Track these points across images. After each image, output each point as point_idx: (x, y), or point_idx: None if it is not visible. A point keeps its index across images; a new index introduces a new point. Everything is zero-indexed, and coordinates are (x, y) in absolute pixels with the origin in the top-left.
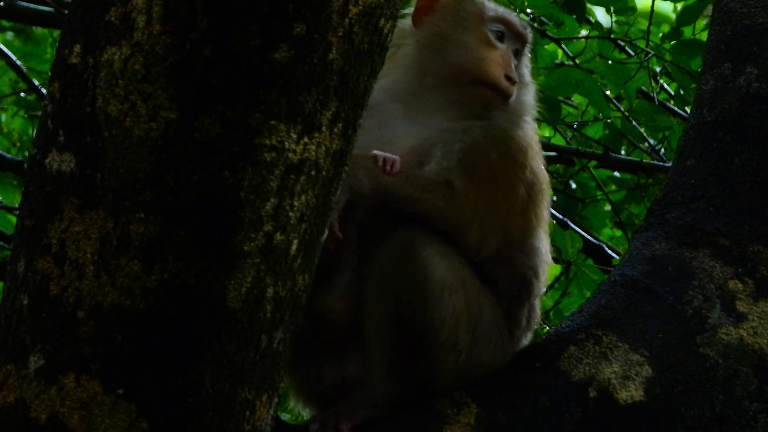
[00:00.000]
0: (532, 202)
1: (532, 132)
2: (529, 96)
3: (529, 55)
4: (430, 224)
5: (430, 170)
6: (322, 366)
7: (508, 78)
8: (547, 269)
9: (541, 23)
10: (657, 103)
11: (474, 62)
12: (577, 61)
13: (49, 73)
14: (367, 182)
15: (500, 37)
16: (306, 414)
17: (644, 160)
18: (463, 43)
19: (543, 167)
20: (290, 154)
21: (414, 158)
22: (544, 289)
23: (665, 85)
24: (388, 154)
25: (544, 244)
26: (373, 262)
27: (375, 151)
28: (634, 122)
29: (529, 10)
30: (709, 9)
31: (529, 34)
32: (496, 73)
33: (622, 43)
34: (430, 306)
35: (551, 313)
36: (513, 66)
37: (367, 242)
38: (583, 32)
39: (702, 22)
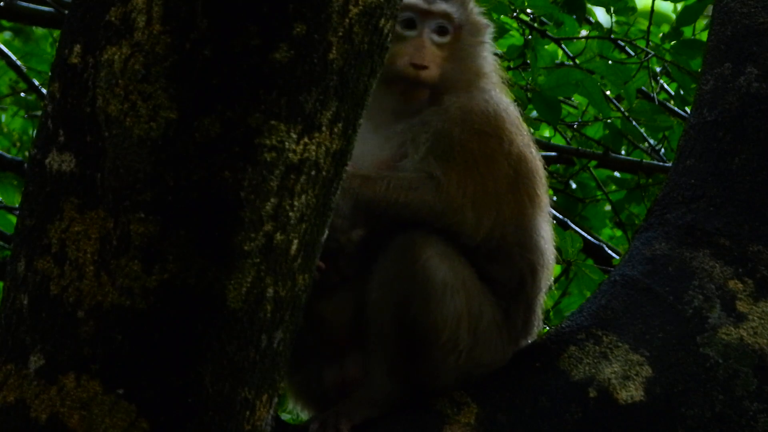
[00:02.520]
0: (522, 179)
1: (496, 101)
2: (478, 62)
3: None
4: (426, 225)
5: (408, 168)
6: (322, 367)
7: (415, 65)
8: (549, 264)
9: (541, 23)
10: (657, 103)
11: (387, 61)
12: (577, 61)
13: (49, 73)
14: (346, 203)
15: (410, 24)
16: (305, 416)
17: (644, 160)
18: None
19: (528, 142)
20: (290, 154)
21: (390, 167)
22: (546, 288)
23: (665, 85)
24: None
25: (543, 235)
26: (374, 265)
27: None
28: (634, 122)
29: (529, 10)
30: (709, 9)
31: (438, 5)
32: (401, 64)
33: (622, 43)
34: (432, 308)
35: (551, 313)
36: (426, 48)
37: (366, 246)
38: (583, 32)
39: (702, 22)
